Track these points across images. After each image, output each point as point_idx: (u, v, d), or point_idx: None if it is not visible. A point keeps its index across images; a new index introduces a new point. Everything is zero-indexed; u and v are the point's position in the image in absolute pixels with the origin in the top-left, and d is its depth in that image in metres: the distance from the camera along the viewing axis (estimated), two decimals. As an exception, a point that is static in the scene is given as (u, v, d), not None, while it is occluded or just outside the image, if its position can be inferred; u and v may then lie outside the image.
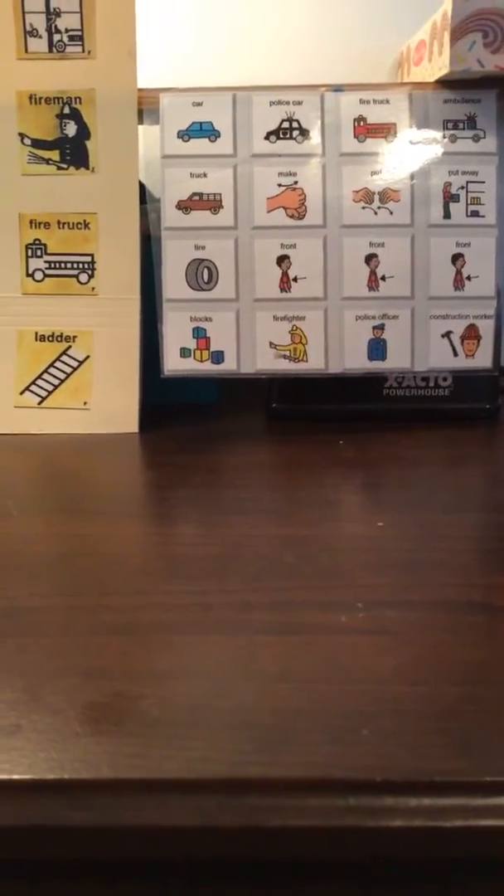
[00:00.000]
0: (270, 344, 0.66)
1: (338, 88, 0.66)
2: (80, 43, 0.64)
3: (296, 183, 0.65)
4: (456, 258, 0.66)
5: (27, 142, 0.65)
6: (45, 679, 0.32)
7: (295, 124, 0.65)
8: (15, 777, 0.27)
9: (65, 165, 0.66)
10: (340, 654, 0.34)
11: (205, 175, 0.65)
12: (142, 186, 0.67)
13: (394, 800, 0.27)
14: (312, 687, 0.32)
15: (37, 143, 0.65)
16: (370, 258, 0.65)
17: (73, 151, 0.65)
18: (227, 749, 0.29)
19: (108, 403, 0.67)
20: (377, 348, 0.66)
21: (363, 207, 0.65)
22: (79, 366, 0.67)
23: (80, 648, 0.35)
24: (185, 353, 0.66)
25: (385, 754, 0.28)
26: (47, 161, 0.66)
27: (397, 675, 0.33)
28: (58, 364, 0.67)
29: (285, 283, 0.65)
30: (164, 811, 0.27)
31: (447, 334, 0.66)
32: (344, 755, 0.28)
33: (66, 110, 0.65)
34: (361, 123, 0.66)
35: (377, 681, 0.32)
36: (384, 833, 0.27)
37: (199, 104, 0.65)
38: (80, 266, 0.67)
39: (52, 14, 0.63)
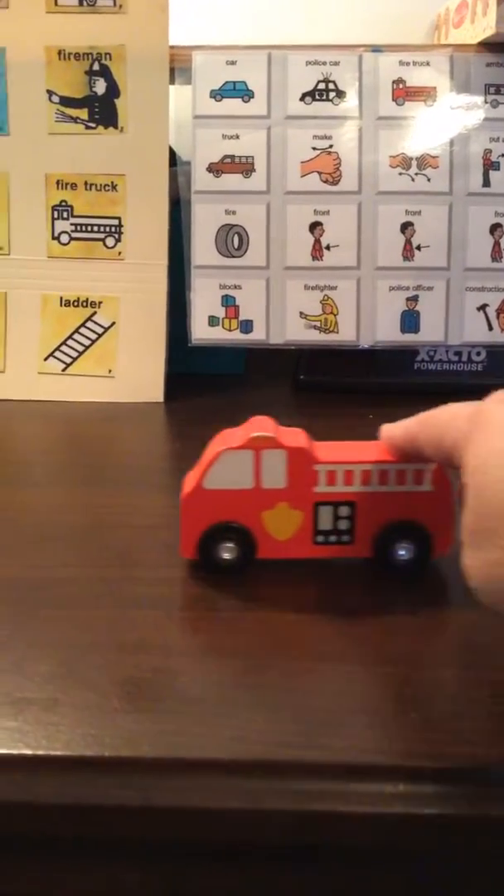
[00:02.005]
0: (301, 314, 0.64)
1: (376, 49, 0.64)
2: (111, -4, 0.61)
3: (331, 147, 0.63)
4: (494, 228, 0.64)
5: (55, 99, 0.63)
6: (81, 653, 0.32)
7: (331, 85, 0.63)
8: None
9: (93, 124, 0.64)
10: (381, 635, 0.33)
11: (237, 137, 0.63)
12: (170, 149, 0.65)
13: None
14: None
15: (65, 101, 0.63)
16: (406, 226, 0.63)
17: (101, 110, 0.63)
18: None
19: (134, 372, 0.66)
20: (410, 320, 0.64)
21: (400, 173, 0.63)
22: (104, 332, 0.66)
23: (113, 622, 0.34)
24: (213, 321, 0.65)
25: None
26: (75, 119, 0.64)
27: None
28: (83, 330, 0.66)
29: (318, 250, 0.64)
30: (204, 792, 0.27)
31: (483, 307, 0.64)
32: None
33: (96, 67, 0.63)
34: (400, 86, 0.63)
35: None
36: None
37: (233, 63, 0.63)
38: (107, 229, 0.65)
39: (82, -35, 0.61)
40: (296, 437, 0.36)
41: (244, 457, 0.35)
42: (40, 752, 0.27)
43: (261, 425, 0.37)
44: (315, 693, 0.29)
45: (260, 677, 0.30)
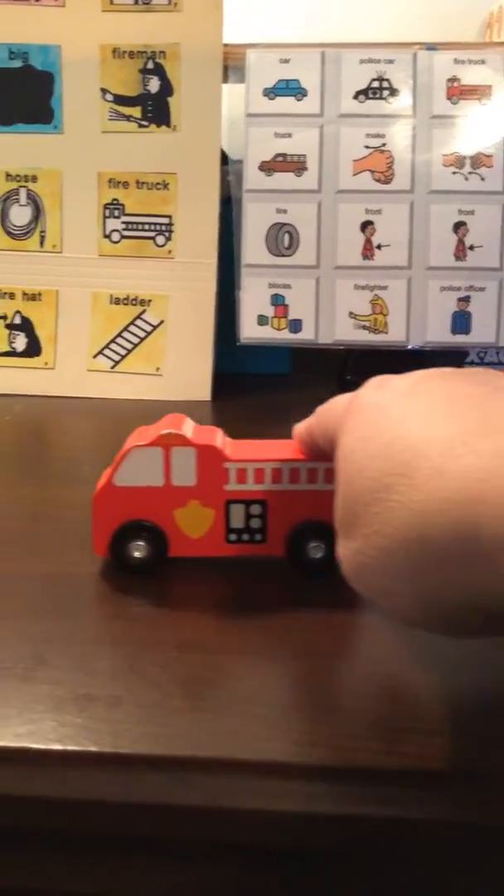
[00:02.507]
0: (350, 314, 0.64)
1: (431, 47, 0.63)
2: (166, -6, 0.62)
3: (384, 145, 0.63)
4: (549, 228, 0.63)
5: (109, 97, 0.64)
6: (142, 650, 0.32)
7: (385, 84, 0.63)
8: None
9: (146, 123, 0.64)
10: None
11: (289, 135, 0.63)
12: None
13: None
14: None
15: (119, 99, 0.64)
16: (458, 226, 0.62)
17: (154, 108, 0.64)
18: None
19: (182, 370, 0.66)
20: (461, 321, 0.63)
21: (453, 172, 0.62)
22: (153, 330, 0.66)
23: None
24: (262, 320, 0.65)
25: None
26: (128, 118, 0.64)
27: None
28: (132, 328, 0.66)
29: (368, 250, 0.63)
30: (262, 795, 0.26)
31: (536, 309, 0.63)
32: None
33: (150, 65, 0.63)
34: (455, 84, 0.63)
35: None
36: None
37: (287, 61, 0.63)
38: (158, 228, 0.65)
39: (137, -36, 0.61)
40: (208, 434, 0.36)
41: (154, 454, 0.35)
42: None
43: (174, 422, 0.36)
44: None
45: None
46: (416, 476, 0.23)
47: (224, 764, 0.26)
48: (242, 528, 0.36)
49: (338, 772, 0.26)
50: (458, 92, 0.63)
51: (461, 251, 0.63)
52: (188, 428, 0.36)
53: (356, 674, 0.31)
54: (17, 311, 0.67)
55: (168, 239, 0.65)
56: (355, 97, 0.63)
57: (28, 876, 0.29)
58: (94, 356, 0.66)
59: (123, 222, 0.65)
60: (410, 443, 0.24)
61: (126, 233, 0.65)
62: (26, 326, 0.67)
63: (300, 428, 0.35)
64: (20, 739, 0.26)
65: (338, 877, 0.29)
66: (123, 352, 0.66)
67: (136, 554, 0.36)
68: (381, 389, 0.28)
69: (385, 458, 0.24)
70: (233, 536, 0.36)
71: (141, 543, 0.36)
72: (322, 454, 0.33)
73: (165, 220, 0.65)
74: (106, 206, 0.65)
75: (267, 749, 0.27)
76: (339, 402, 0.31)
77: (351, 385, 0.72)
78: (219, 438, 0.36)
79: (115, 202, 0.65)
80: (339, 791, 0.27)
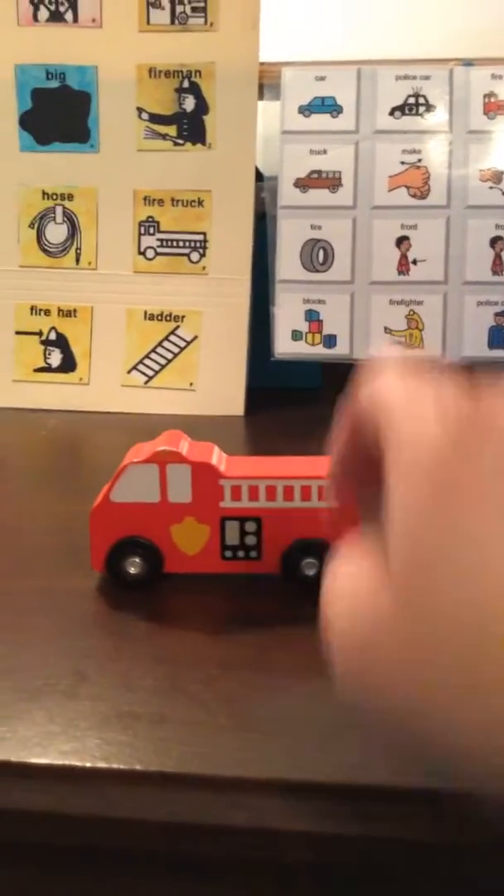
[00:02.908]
0: (385, 329, 0.64)
1: (468, 63, 0.63)
2: (202, 14, 0.62)
3: (420, 161, 0.62)
4: None
5: (144, 116, 0.64)
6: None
7: (421, 100, 0.62)
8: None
9: (181, 141, 0.64)
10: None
11: (325, 152, 0.63)
12: (255, 164, 0.65)
13: None
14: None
15: (154, 118, 0.64)
16: (495, 241, 0.62)
17: (190, 126, 0.64)
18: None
19: (215, 385, 0.66)
20: (498, 336, 0.63)
21: (490, 188, 0.62)
22: (186, 346, 0.66)
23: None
24: (296, 335, 0.64)
25: None
26: (164, 136, 0.64)
27: None
28: (165, 343, 0.66)
29: (404, 265, 0.63)
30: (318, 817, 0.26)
31: None
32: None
33: (186, 84, 0.63)
34: (492, 100, 0.62)
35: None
36: None
37: (322, 78, 0.63)
38: (192, 244, 0.65)
39: (174, -15, 0.62)
40: (204, 451, 0.36)
41: (150, 471, 0.35)
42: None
43: (170, 439, 0.37)
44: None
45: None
46: None
47: (270, 784, 0.26)
48: (237, 544, 0.37)
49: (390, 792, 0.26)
50: (495, 107, 0.62)
51: (498, 266, 0.62)
52: (184, 445, 0.37)
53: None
54: (53, 328, 0.67)
55: (202, 255, 0.65)
56: (391, 113, 0.63)
57: (68, 893, 0.29)
58: (129, 371, 0.67)
59: (158, 239, 0.66)
60: None
61: (161, 250, 0.66)
62: (62, 342, 0.67)
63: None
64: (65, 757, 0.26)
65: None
66: (157, 367, 0.66)
67: (132, 570, 0.37)
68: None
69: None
70: (228, 553, 0.37)
71: (137, 559, 0.36)
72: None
73: (200, 237, 0.65)
74: (141, 224, 0.66)
75: (313, 770, 0.26)
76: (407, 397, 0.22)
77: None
78: (215, 455, 0.37)
79: (150, 219, 0.65)
80: (396, 812, 0.26)
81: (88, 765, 0.26)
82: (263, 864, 0.27)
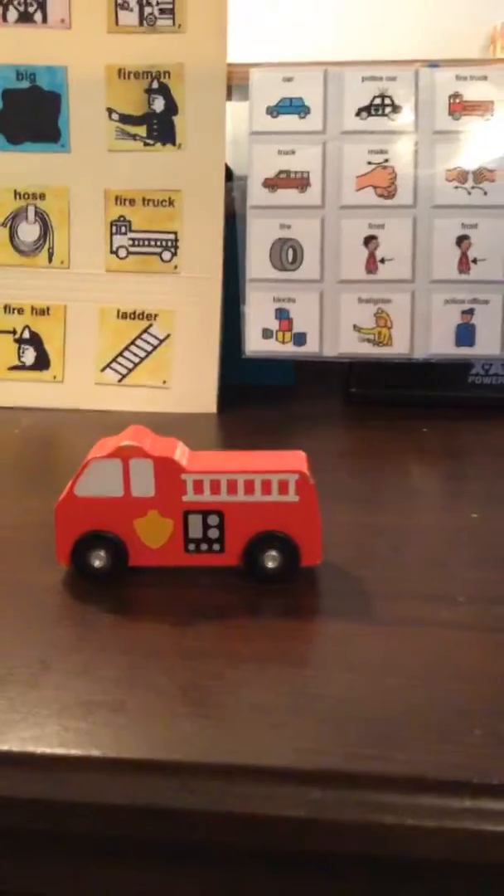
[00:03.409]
0: (354, 327, 0.65)
1: (433, 64, 0.64)
2: (170, 16, 0.63)
3: (387, 161, 0.63)
4: (551, 241, 0.63)
5: (115, 117, 0.65)
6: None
7: (388, 101, 0.63)
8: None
9: (151, 141, 0.65)
10: (445, 650, 0.33)
11: (293, 152, 0.64)
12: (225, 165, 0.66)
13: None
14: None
15: (125, 119, 0.65)
16: (462, 240, 0.63)
17: (160, 127, 0.65)
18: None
19: (188, 383, 0.66)
20: (465, 334, 0.64)
21: (456, 187, 0.63)
22: (159, 344, 0.67)
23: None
24: (267, 334, 0.65)
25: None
26: (134, 137, 0.65)
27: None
28: (138, 342, 0.67)
29: (372, 264, 0.64)
30: (271, 801, 0.27)
31: (539, 321, 0.64)
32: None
33: (155, 85, 0.64)
34: (457, 100, 0.63)
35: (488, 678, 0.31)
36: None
37: (290, 80, 0.64)
38: (164, 244, 0.66)
39: (143, -13, 0.63)
40: (167, 446, 0.37)
41: (113, 465, 0.36)
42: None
43: (135, 434, 0.37)
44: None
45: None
46: None
47: (225, 769, 0.27)
48: (201, 538, 0.37)
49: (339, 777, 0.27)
50: (460, 108, 0.63)
51: (465, 264, 0.63)
52: (148, 440, 0.37)
53: (343, 679, 0.31)
54: (27, 326, 0.68)
55: (174, 255, 0.66)
56: (358, 114, 0.64)
57: (28, 878, 0.30)
58: (102, 370, 0.67)
59: (130, 238, 0.66)
60: None
61: (133, 249, 0.66)
62: (35, 341, 0.68)
63: None
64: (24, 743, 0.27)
65: (338, 883, 0.29)
66: (131, 365, 0.67)
67: (97, 563, 0.37)
68: None
69: None
70: (191, 546, 0.37)
71: (101, 553, 0.37)
72: None
73: (171, 237, 0.66)
74: (113, 223, 0.66)
75: (267, 755, 0.27)
76: None
77: (356, 397, 0.72)
78: (178, 450, 0.37)
79: (121, 219, 0.66)
80: (341, 797, 0.27)
81: (48, 751, 0.27)
82: (219, 848, 0.28)
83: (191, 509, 0.37)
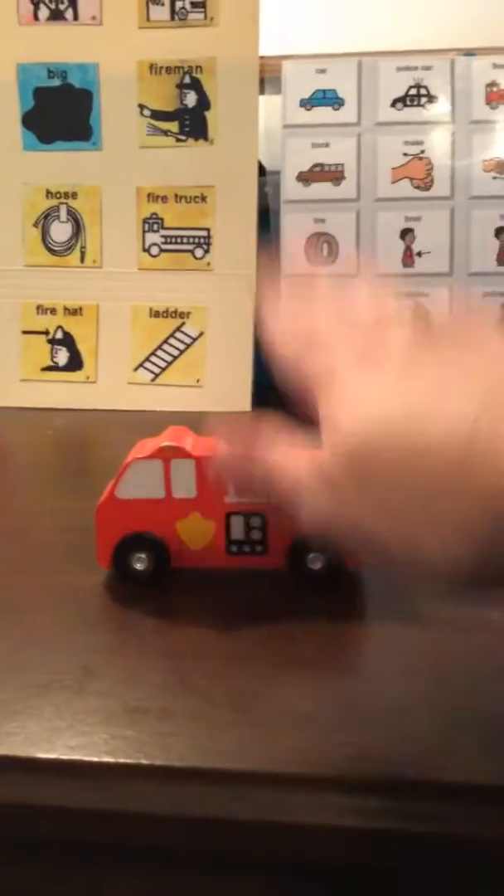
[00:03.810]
0: (391, 322, 0.63)
1: (469, 53, 0.63)
2: (202, 9, 0.62)
3: (423, 152, 0.62)
4: None
5: (146, 113, 0.64)
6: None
7: (423, 91, 0.62)
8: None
9: (183, 137, 0.64)
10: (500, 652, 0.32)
11: (327, 145, 0.63)
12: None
13: None
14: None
15: (156, 115, 0.64)
16: (500, 231, 0.62)
17: (192, 122, 0.64)
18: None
19: (221, 381, 0.66)
20: (505, 327, 0.62)
21: (494, 178, 0.62)
22: (192, 342, 0.66)
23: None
24: (302, 330, 0.64)
25: None
26: (166, 133, 0.64)
27: None
28: (171, 340, 0.66)
29: (409, 257, 0.63)
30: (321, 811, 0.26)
31: None
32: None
33: (187, 80, 0.63)
34: (494, 89, 0.62)
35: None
36: None
37: (323, 71, 0.63)
38: (196, 241, 0.65)
39: (174, -19, 0.62)
40: (208, 446, 0.36)
41: (154, 466, 0.35)
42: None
43: (175, 435, 0.36)
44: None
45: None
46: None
47: (276, 778, 0.26)
48: (243, 539, 0.36)
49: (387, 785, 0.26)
50: (497, 97, 0.62)
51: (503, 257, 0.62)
52: (189, 440, 0.36)
53: (393, 685, 0.31)
54: (59, 326, 0.67)
55: (207, 251, 0.65)
56: (393, 105, 0.62)
57: (75, 887, 0.29)
58: (135, 369, 0.67)
59: (162, 236, 0.66)
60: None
61: (165, 246, 0.66)
62: (68, 341, 0.67)
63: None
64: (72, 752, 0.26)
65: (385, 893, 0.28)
66: (163, 364, 0.67)
67: (139, 566, 0.37)
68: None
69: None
70: (234, 548, 0.37)
71: (143, 555, 0.36)
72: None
73: (204, 233, 0.65)
74: (145, 221, 0.66)
75: (319, 764, 0.26)
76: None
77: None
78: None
79: (153, 216, 0.66)
80: (392, 806, 0.26)
81: (95, 759, 0.26)
82: (270, 858, 0.27)
83: (233, 510, 0.36)
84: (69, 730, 0.27)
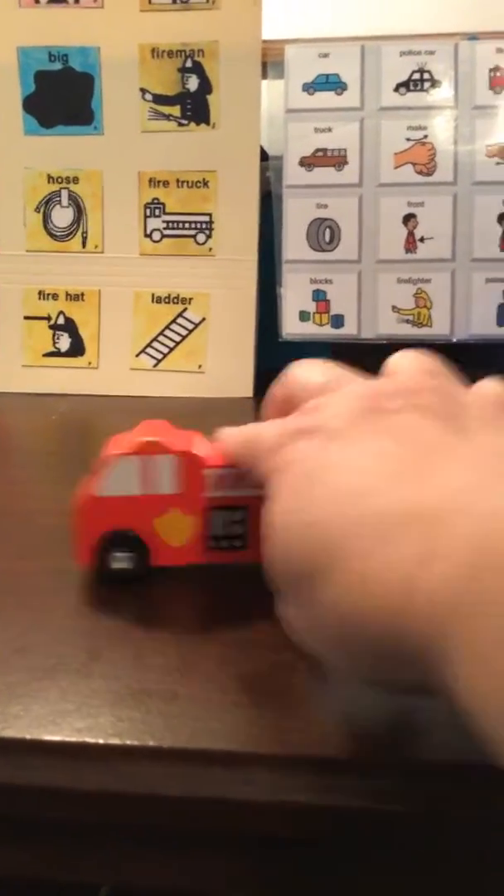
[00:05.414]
0: (393, 308, 0.63)
1: (472, 37, 0.63)
2: (204, -8, 0.62)
3: (425, 137, 0.62)
4: None
5: (148, 97, 0.64)
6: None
7: (426, 75, 0.62)
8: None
9: (185, 121, 0.64)
10: None
11: (330, 130, 0.62)
12: (259, 144, 0.65)
13: None
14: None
15: (158, 99, 0.64)
16: (503, 217, 0.61)
17: (193, 107, 0.64)
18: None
19: (223, 367, 0.66)
20: (507, 313, 0.62)
21: (497, 163, 0.62)
22: (194, 328, 0.66)
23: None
24: (304, 316, 0.64)
25: None
26: (168, 117, 0.64)
27: None
28: (173, 326, 0.66)
29: (411, 243, 0.63)
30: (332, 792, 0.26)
31: None
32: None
33: (189, 63, 0.63)
34: (497, 74, 0.62)
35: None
36: None
37: (326, 55, 0.62)
38: (198, 226, 0.65)
39: (175, -37, 0.61)
40: (187, 440, 0.35)
41: (132, 462, 0.34)
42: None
43: (152, 429, 0.35)
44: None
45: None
46: (335, 575, 0.22)
47: (283, 760, 0.26)
48: (223, 534, 0.36)
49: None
50: (500, 82, 0.62)
51: (506, 242, 0.62)
52: (167, 434, 0.35)
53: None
54: (61, 312, 0.67)
55: (209, 237, 0.65)
56: (396, 90, 0.62)
57: (82, 868, 0.29)
58: (137, 355, 0.67)
59: (164, 221, 0.65)
60: (331, 531, 0.23)
61: (167, 232, 0.66)
62: (70, 326, 0.67)
63: (230, 445, 0.32)
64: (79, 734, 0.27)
65: (408, 877, 0.29)
66: (165, 350, 0.67)
67: (118, 565, 0.36)
68: (311, 439, 0.26)
69: (305, 542, 0.24)
70: (214, 543, 0.36)
71: (122, 554, 0.35)
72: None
73: (206, 219, 0.65)
74: (146, 206, 0.65)
75: (326, 745, 0.26)
76: (267, 436, 0.29)
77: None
78: (199, 444, 0.35)
79: (155, 201, 0.65)
80: (404, 787, 0.26)
81: (102, 741, 0.26)
82: (277, 839, 0.27)
83: (214, 505, 0.35)
84: (76, 712, 0.27)
